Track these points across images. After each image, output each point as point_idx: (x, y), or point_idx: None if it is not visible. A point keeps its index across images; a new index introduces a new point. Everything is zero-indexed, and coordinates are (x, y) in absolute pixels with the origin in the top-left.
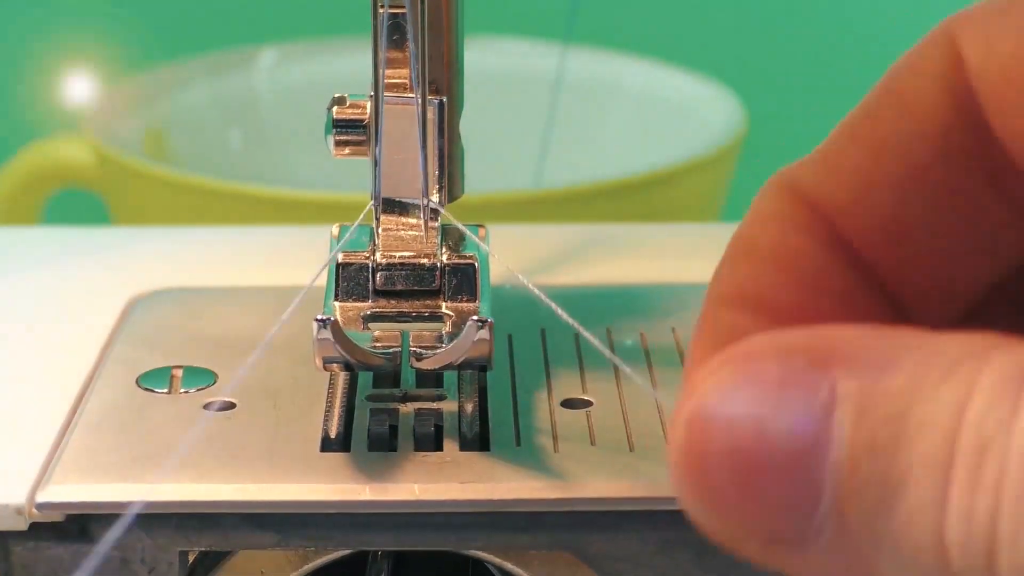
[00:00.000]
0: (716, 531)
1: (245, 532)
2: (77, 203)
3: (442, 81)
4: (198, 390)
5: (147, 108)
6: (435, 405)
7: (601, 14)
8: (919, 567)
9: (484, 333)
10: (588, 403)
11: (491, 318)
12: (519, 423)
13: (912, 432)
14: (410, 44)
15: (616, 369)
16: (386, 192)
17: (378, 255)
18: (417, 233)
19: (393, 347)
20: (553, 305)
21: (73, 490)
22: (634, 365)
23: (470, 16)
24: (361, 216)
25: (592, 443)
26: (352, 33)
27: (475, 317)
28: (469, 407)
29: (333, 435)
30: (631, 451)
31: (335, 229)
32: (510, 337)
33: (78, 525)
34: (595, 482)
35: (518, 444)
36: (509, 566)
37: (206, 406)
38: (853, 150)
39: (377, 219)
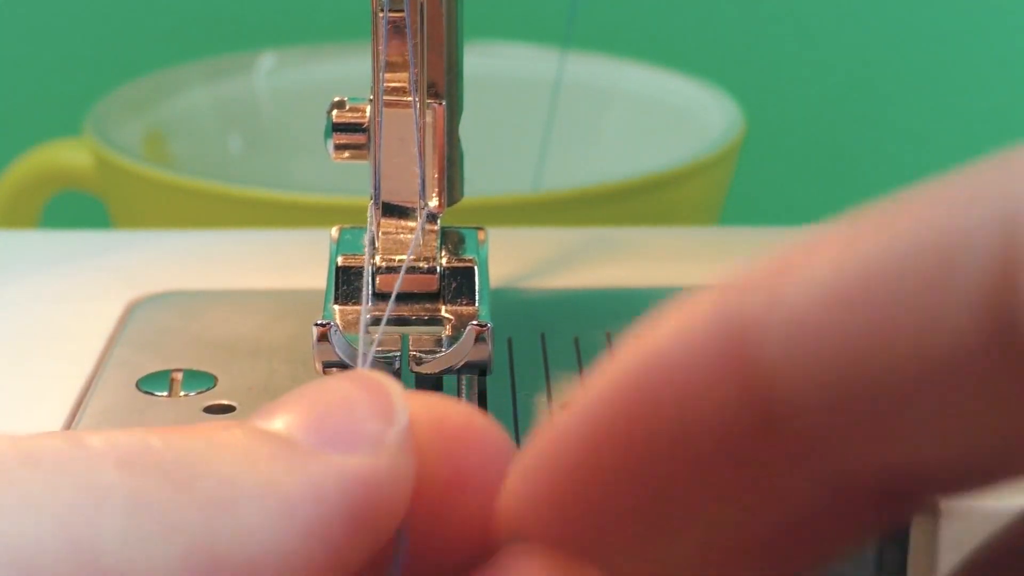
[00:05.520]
0: None
1: None
2: (77, 206)
3: (441, 85)
4: (198, 393)
5: (147, 111)
6: None
7: (599, 19)
8: None
9: (483, 338)
10: None
11: (490, 322)
12: (519, 427)
13: None
14: (409, 48)
15: None
16: (386, 196)
17: (378, 258)
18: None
19: (393, 351)
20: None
21: None
22: None
23: (469, 20)
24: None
25: None
26: (352, 37)
27: (475, 322)
28: None
29: None
30: None
31: (335, 232)
32: (510, 341)
33: None
34: None
35: (518, 448)
36: None
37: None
38: None
39: (377, 223)
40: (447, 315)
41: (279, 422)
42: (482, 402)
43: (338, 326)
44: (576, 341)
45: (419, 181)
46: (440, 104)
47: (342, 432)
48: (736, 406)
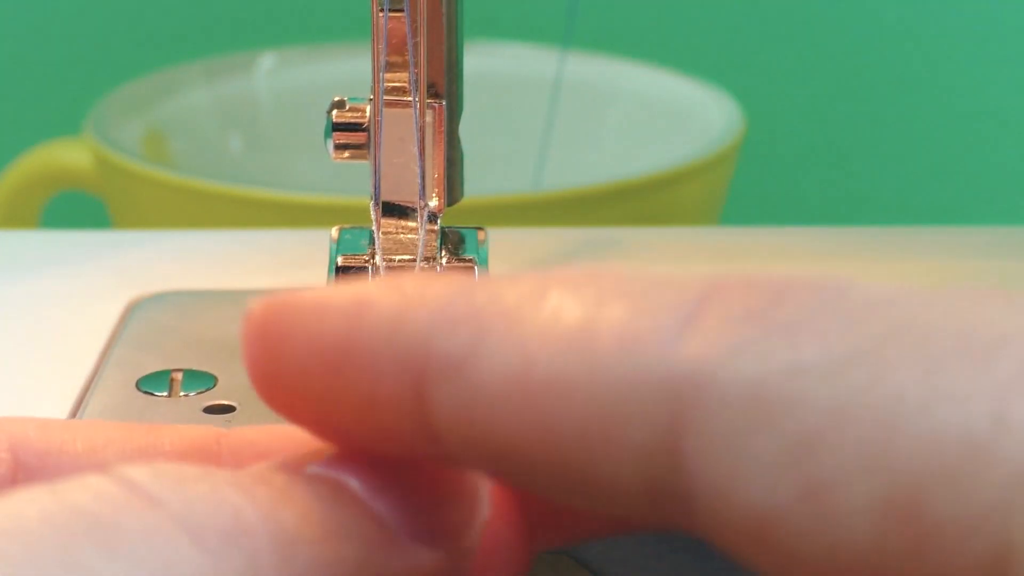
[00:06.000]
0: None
1: None
2: (77, 206)
3: (441, 85)
4: (198, 393)
5: (147, 111)
6: None
7: (599, 18)
8: None
9: None
10: None
11: None
12: None
13: None
14: (409, 48)
15: None
16: (386, 195)
17: (377, 258)
18: (416, 236)
19: None
20: None
21: None
22: None
23: (469, 20)
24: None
25: None
26: (352, 37)
27: None
28: None
29: None
30: None
31: (334, 232)
32: None
33: None
34: None
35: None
36: None
37: None
38: None
39: (377, 223)
40: None
41: (370, 490)
42: None
43: None
44: None
45: (419, 181)
46: (440, 104)
47: (430, 525)
48: (406, 423)
